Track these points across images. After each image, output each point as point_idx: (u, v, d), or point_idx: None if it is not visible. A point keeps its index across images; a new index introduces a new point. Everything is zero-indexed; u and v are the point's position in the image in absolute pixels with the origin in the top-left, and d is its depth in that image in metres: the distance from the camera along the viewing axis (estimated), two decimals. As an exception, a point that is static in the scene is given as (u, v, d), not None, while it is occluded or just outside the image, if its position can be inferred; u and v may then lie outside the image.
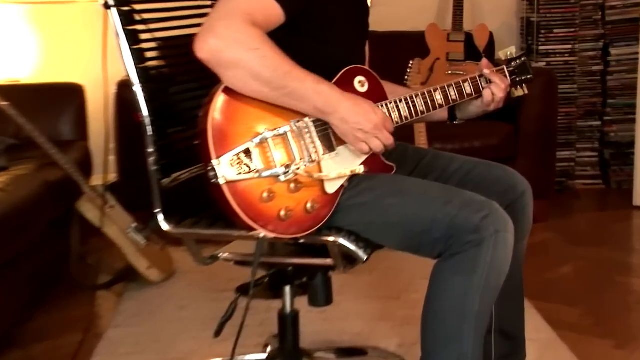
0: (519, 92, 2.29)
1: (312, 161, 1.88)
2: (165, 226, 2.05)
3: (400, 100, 2.05)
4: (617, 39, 4.99)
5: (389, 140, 1.92)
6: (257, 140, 1.81)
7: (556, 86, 4.31)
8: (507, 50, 2.28)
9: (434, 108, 2.10)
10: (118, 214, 3.39)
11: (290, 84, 1.81)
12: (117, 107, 3.87)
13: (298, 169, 1.84)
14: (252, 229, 1.81)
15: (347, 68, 2.01)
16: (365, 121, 1.88)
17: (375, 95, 2.03)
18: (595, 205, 4.83)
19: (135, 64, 2.02)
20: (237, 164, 1.78)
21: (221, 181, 1.77)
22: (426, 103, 2.09)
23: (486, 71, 2.17)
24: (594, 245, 3.97)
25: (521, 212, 2.10)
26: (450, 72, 4.59)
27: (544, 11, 4.91)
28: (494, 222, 1.80)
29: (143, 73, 2.03)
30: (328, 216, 1.90)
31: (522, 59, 2.28)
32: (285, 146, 1.85)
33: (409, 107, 2.05)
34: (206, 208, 2.06)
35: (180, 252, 3.40)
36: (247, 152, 1.80)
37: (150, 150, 2.02)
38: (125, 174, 3.99)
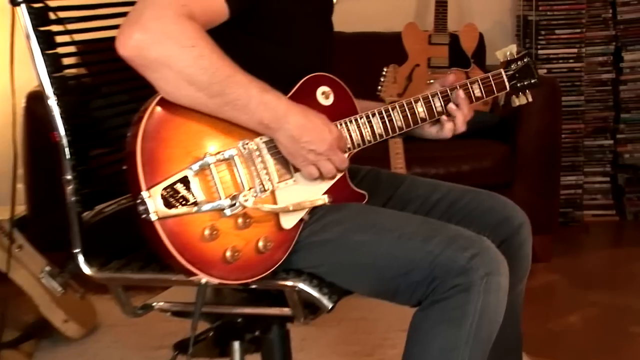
0: (521, 99, 2.30)
1: (265, 190, 1.89)
2: (86, 269, 2.04)
3: (374, 115, 2.07)
4: (631, 41, 5.06)
5: (344, 163, 1.95)
6: (196, 166, 1.81)
7: (559, 98, 4.35)
8: (507, 50, 2.30)
9: (415, 123, 2.12)
10: (28, 255, 3.36)
11: (230, 90, 1.81)
12: (27, 125, 3.85)
13: (247, 200, 1.84)
14: (192, 274, 1.80)
15: (308, 76, 2.03)
16: (318, 140, 1.89)
17: (343, 109, 2.05)
18: (607, 241, 4.88)
19: (50, 72, 2.01)
20: (172, 196, 1.78)
21: (152, 217, 1.76)
22: (405, 117, 2.10)
23: (440, 88, 2.17)
24: (607, 290, 4.00)
25: (518, 250, 2.12)
26: (432, 80, 4.62)
27: (544, 8, 4.97)
28: (485, 263, 1.81)
29: (59, 83, 2.02)
30: (284, 257, 1.91)
31: (525, 60, 2.29)
32: (232, 173, 1.86)
33: (384, 123, 2.07)
34: (137, 247, 2.05)
35: (104, 301, 3.38)
36: (185, 182, 1.80)
37: (69, 177, 2.01)
38: (36, 206, 3.97)
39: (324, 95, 2.04)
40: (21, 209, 4.03)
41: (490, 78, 2.23)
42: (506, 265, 1.85)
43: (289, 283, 1.92)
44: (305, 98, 1.99)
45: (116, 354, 3.28)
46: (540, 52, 4.96)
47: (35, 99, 3.80)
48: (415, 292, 1.85)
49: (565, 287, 4.08)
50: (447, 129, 2.17)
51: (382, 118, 2.07)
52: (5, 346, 3.33)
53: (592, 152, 5.11)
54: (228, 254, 1.82)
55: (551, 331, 3.50)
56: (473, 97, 2.19)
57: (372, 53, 4.76)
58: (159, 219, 1.76)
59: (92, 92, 2.17)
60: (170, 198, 1.77)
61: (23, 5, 1.98)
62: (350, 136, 2.02)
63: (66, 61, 2.06)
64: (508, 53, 2.28)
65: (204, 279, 1.81)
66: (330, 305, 1.92)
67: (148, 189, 1.76)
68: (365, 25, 4.89)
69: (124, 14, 2.03)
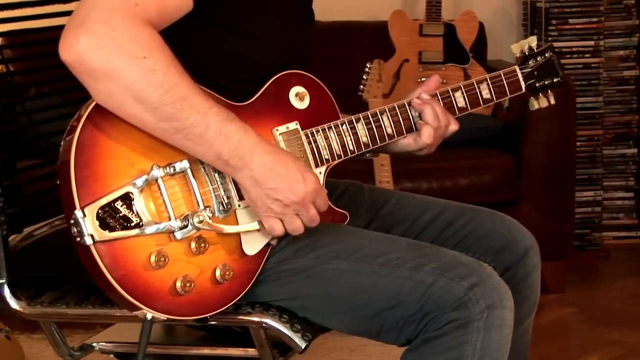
0: (542, 101, 2.29)
1: (225, 210, 1.88)
2: (13, 304, 2.03)
3: (358, 120, 2.07)
4: (658, 32, 5.09)
5: (315, 221, 1.90)
6: (140, 181, 1.80)
7: (574, 99, 4.37)
8: (525, 43, 2.28)
9: (409, 130, 2.13)
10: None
11: (185, 114, 1.78)
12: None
13: (201, 221, 1.83)
14: (135, 307, 1.80)
15: (279, 75, 2.03)
16: (287, 189, 1.85)
17: (321, 114, 2.05)
18: (631, 268, 4.89)
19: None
20: (111, 216, 1.77)
21: (87, 241, 1.75)
22: (396, 123, 2.11)
23: (416, 100, 2.14)
24: (630, 327, 4.01)
25: (524, 280, 2.12)
26: (423, 79, 4.63)
27: (556, -7, 5.00)
28: (486, 294, 1.81)
29: (6, 165, 2.03)
30: (247, 288, 1.91)
31: (547, 54, 2.28)
32: (185, 189, 1.85)
33: (370, 129, 2.07)
34: (74, 278, 2.05)
35: (34, 342, 3.37)
36: (127, 199, 1.79)
37: (86, 244, 2.00)
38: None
39: (298, 97, 2.04)
40: None
41: (502, 76, 2.22)
42: (511, 296, 1.86)
43: (255, 319, 1.92)
44: (276, 100, 2.00)
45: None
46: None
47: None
48: (403, 329, 1.85)
49: (581, 322, 4.09)
50: (425, 134, 2.13)
51: (368, 123, 2.07)
52: None
53: (613, 163, 5.12)
54: (178, 284, 1.81)
55: (565, 375, 3.52)
56: (480, 99, 2.19)
57: (353, 46, 4.77)
58: (95, 242, 1.75)
59: (19, 93, 2.16)
60: (109, 218, 1.77)
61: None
62: (330, 145, 2.03)
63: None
64: (527, 47, 2.27)
65: (149, 314, 1.80)
66: (303, 345, 1.92)
67: (82, 207, 1.75)
68: (345, 14, 4.91)
69: (63, 1, 2.03)
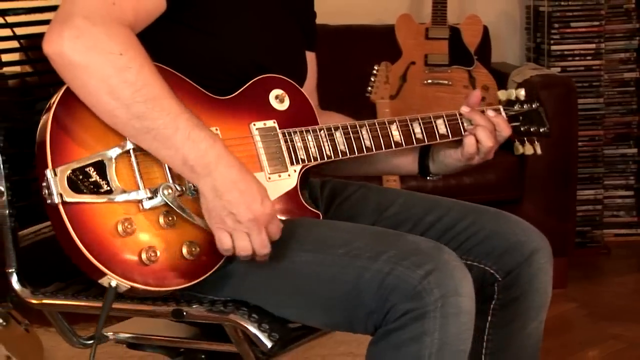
0: (527, 149, 2.24)
1: (196, 191, 1.86)
2: (19, 292, 2.04)
3: (337, 128, 2.05)
4: (657, 35, 5.09)
5: (264, 247, 1.85)
6: (114, 151, 1.82)
7: (575, 101, 4.37)
8: (513, 92, 2.23)
9: (387, 146, 2.09)
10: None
11: (155, 115, 1.78)
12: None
13: (169, 194, 1.83)
14: (99, 273, 1.79)
15: (259, 77, 2.03)
16: (243, 205, 1.82)
17: (300, 116, 2.05)
18: (631, 265, 4.89)
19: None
20: (82, 180, 1.79)
21: (55, 199, 1.76)
22: (376, 137, 2.08)
23: (464, 109, 2.15)
24: (631, 321, 4.01)
25: (529, 283, 2.06)
26: (429, 80, 4.64)
27: (558, -2, 4.99)
28: (440, 282, 1.75)
29: (11, 134, 2.04)
30: (214, 269, 1.88)
31: (534, 105, 2.24)
32: (158, 165, 1.86)
33: (348, 139, 2.05)
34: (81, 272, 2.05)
35: (52, 335, 3.37)
36: (100, 166, 1.81)
37: (1, 188, 2.02)
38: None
39: (278, 99, 2.04)
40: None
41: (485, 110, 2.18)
42: (469, 281, 1.80)
43: (223, 316, 1.90)
44: (256, 99, 2.01)
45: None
46: (553, 47, 4.97)
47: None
48: (369, 320, 1.80)
49: (583, 317, 4.09)
50: (469, 144, 2.12)
51: (347, 133, 2.05)
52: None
53: (614, 163, 5.12)
54: (144, 255, 1.81)
55: (567, 368, 3.51)
56: (448, 130, 2.16)
57: (360, 49, 4.77)
58: (64, 203, 1.76)
59: (36, 92, 2.16)
60: (79, 182, 1.79)
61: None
62: (306, 147, 2.02)
63: (6, 57, 2.06)
64: (514, 95, 2.23)
65: (113, 281, 1.79)
66: (269, 344, 1.88)
67: (54, 167, 1.77)
68: (353, 17, 4.90)
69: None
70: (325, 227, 1.97)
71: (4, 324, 3.35)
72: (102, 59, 1.76)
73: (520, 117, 2.22)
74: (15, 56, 2.09)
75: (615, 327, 3.91)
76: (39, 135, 1.81)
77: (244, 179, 1.82)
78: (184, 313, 1.91)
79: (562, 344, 3.71)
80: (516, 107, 2.22)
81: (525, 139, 2.24)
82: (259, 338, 1.88)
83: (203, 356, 2.12)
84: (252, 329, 1.88)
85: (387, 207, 2.18)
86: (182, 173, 1.83)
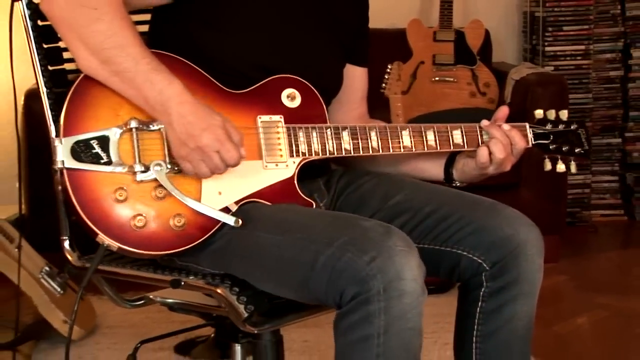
0: (559, 167, 2.15)
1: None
2: (67, 255, 2.07)
3: (345, 128, 2.03)
4: (640, 38, 5.07)
5: (217, 169, 1.87)
6: (119, 129, 1.87)
7: (567, 96, 4.34)
8: (553, 112, 2.14)
9: (395, 150, 2.07)
10: (26, 255, 3.36)
11: (120, 60, 1.84)
12: (26, 122, 3.86)
13: (159, 170, 1.86)
14: (93, 232, 1.84)
15: (274, 77, 2.02)
16: (191, 136, 1.84)
17: (309, 117, 2.03)
18: (615, 242, 4.88)
19: (47, 65, 2.04)
20: (84, 151, 1.84)
21: (58, 164, 1.83)
22: (384, 140, 2.06)
23: (484, 122, 2.09)
24: (615, 292, 4.00)
25: (519, 271, 1.99)
26: (437, 78, 4.63)
27: (552, 4, 4.96)
28: (382, 269, 1.71)
29: (57, 76, 2.06)
30: (198, 241, 1.89)
31: (573, 126, 2.15)
32: (160, 143, 1.89)
33: (355, 139, 2.03)
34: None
35: (103, 302, 3.38)
36: (103, 141, 1.85)
37: (57, 167, 2.03)
38: (35, 205, 3.97)
39: (289, 98, 2.03)
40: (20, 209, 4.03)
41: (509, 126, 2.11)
42: (413, 265, 1.74)
43: (211, 287, 1.92)
44: (268, 95, 2.01)
45: (115, 355, 3.28)
46: (547, 48, 4.96)
47: (34, 97, 3.80)
48: (328, 299, 1.78)
49: (572, 289, 4.08)
50: (481, 154, 2.07)
51: (354, 134, 2.03)
52: (3, 347, 3.34)
53: (600, 151, 5.11)
54: (133, 222, 1.85)
55: (558, 334, 3.51)
56: (464, 140, 2.11)
57: (375, 50, 4.72)
58: (66, 169, 1.83)
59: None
60: (82, 153, 1.84)
61: (23, 0, 2.02)
62: (309, 142, 2.00)
63: (68, 55, 2.06)
64: (554, 115, 2.16)
65: (105, 241, 1.84)
66: (245, 315, 1.89)
67: (63, 137, 1.84)
68: (369, 22, 4.88)
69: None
70: (293, 213, 1.94)
71: (62, 292, 3.36)
72: (78, 12, 1.83)
73: (551, 136, 2.15)
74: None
75: (601, 297, 3.91)
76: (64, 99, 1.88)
77: (194, 113, 1.85)
78: (182, 283, 1.93)
79: (554, 312, 3.70)
80: (548, 126, 2.15)
81: (559, 157, 2.16)
82: (235, 308, 1.89)
83: (230, 321, 2.13)
84: (232, 300, 1.89)
85: (392, 197, 2.12)
86: (147, 111, 1.88)
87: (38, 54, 2.03)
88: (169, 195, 1.87)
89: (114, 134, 1.86)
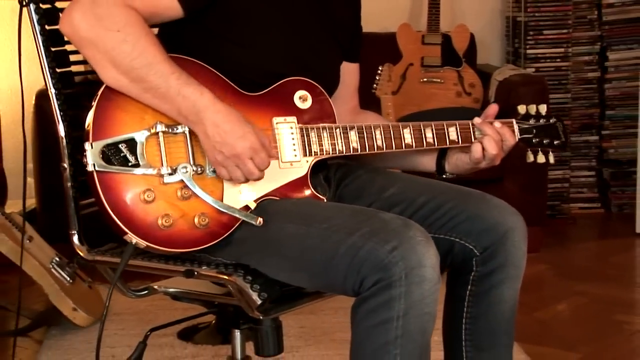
0: (539, 158, 2.16)
1: (214, 171, 1.89)
2: (77, 248, 2.06)
3: (352, 128, 2.03)
4: (615, 41, 5.05)
5: (252, 174, 1.87)
6: (145, 132, 1.86)
7: (547, 96, 4.35)
8: (534, 107, 2.15)
9: (397, 147, 2.06)
10: (37, 246, 3.35)
11: (150, 78, 1.83)
12: (36, 121, 3.84)
13: (186, 172, 1.86)
14: (122, 231, 1.84)
15: (287, 79, 2.01)
16: (227, 143, 1.85)
17: (320, 117, 2.02)
18: (593, 233, 4.88)
19: (54, 67, 2.03)
20: (113, 154, 1.83)
21: (89, 167, 1.82)
22: (388, 139, 2.05)
23: (477, 120, 2.10)
24: (593, 280, 4.00)
25: (506, 256, 2.00)
26: (425, 79, 4.62)
27: (532, 10, 4.96)
28: (405, 255, 1.73)
29: (65, 78, 2.05)
30: (220, 238, 1.89)
31: (552, 120, 2.17)
32: (184, 146, 1.88)
33: (362, 138, 2.02)
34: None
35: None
36: (131, 144, 1.85)
37: (65, 164, 2.03)
38: (45, 199, 3.96)
39: (301, 99, 2.02)
40: (31, 202, 4.02)
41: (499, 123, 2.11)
42: (432, 254, 1.76)
43: (225, 276, 1.90)
44: (281, 97, 1.99)
45: (122, 340, 3.27)
46: (528, 51, 4.96)
47: (45, 97, 3.78)
48: (346, 285, 1.78)
49: (553, 277, 4.08)
50: (475, 150, 2.07)
51: (361, 133, 2.03)
52: (16, 333, 3.32)
53: (579, 148, 5.11)
54: (160, 220, 1.84)
55: (540, 319, 3.50)
56: (458, 137, 2.10)
57: (367, 52, 4.72)
58: (97, 171, 1.82)
59: (95, 87, 2.16)
60: (111, 156, 1.83)
61: (32, 6, 2.01)
62: (320, 142, 1.99)
63: (75, 57, 2.05)
64: (535, 110, 2.16)
65: (133, 240, 1.83)
66: (258, 302, 1.88)
67: (92, 141, 1.82)
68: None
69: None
70: (313, 206, 1.95)
71: (71, 281, 3.35)
72: (103, 35, 1.82)
73: (534, 131, 2.16)
74: (80, 56, 2.08)
75: (579, 285, 3.91)
76: (88, 118, 1.86)
77: (229, 121, 1.85)
78: (195, 273, 1.92)
79: (536, 299, 3.70)
80: (531, 121, 2.16)
81: (539, 149, 2.16)
82: (250, 296, 1.88)
83: (231, 309, 2.11)
84: (245, 288, 1.88)
85: (387, 189, 2.12)
86: (181, 122, 1.87)
87: (46, 57, 2.02)
88: (194, 196, 1.87)
89: (141, 137, 1.85)
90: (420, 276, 1.73)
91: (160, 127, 1.86)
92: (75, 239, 2.05)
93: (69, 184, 2.03)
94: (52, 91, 2.03)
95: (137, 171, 1.84)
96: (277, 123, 1.98)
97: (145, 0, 1.87)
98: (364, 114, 2.30)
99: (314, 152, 1.99)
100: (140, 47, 1.82)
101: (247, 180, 1.89)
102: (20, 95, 2.13)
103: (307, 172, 1.99)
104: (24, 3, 2.00)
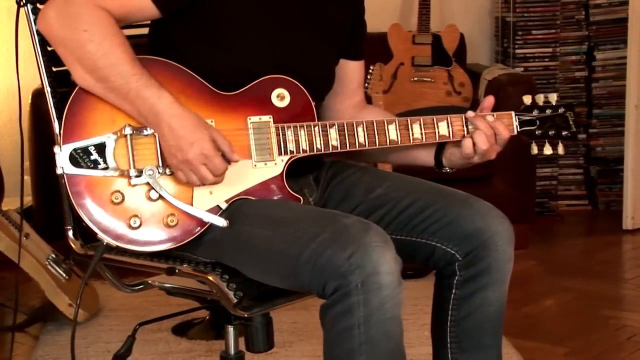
0: (546, 149, 2.10)
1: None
2: (71, 243, 2.07)
3: (332, 125, 2.00)
4: (602, 41, 5.06)
5: (205, 179, 1.85)
6: (115, 135, 1.87)
7: (535, 95, 4.34)
8: (541, 96, 2.07)
9: (381, 144, 2.03)
10: (34, 243, 3.35)
11: (113, 79, 1.84)
12: (33, 120, 3.84)
13: (151, 175, 1.87)
14: (93, 232, 1.86)
15: (265, 78, 1.98)
16: (180, 149, 1.84)
17: (298, 115, 1.99)
18: (580, 230, 4.88)
19: (50, 67, 2.03)
20: (82, 157, 1.85)
21: (58, 170, 1.85)
22: (371, 135, 2.02)
23: (470, 113, 2.04)
24: (580, 276, 4.01)
25: (489, 261, 1.97)
26: (415, 78, 4.63)
27: (521, 10, 4.97)
28: (362, 263, 1.71)
29: (60, 77, 2.05)
30: (190, 238, 1.89)
31: (560, 110, 2.09)
32: (154, 147, 1.89)
33: (342, 136, 2.00)
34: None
35: (106, 287, 3.37)
36: (100, 147, 1.86)
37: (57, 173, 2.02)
38: (42, 197, 3.95)
39: (279, 97, 1.99)
40: (28, 200, 4.02)
41: (494, 115, 2.06)
42: (389, 259, 1.73)
43: (203, 274, 1.91)
44: (258, 96, 1.97)
45: (117, 336, 3.27)
46: (517, 51, 4.96)
47: (41, 96, 3.78)
48: (312, 289, 1.79)
49: (541, 273, 4.09)
50: (466, 145, 2.03)
51: (341, 130, 2.00)
52: (13, 329, 3.32)
53: (567, 146, 5.09)
54: (131, 221, 1.86)
55: (528, 314, 3.51)
56: (450, 132, 2.06)
57: (359, 52, 4.75)
58: (66, 174, 1.85)
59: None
60: (80, 159, 1.86)
61: (29, 6, 2.02)
62: (297, 140, 1.97)
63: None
64: (542, 100, 2.09)
65: (105, 240, 1.86)
66: (234, 300, 1.89)
67: (61, 144, 1.85)
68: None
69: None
70: (283, 209, 1.93)
71: (67, 277, 3.35)
72: (71, 34, 1.84)
73: (538, 122, 2.09)
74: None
75: (567, 281, 3.92)
76: (58, 121, 1.90)
77: (182, 126, 1.84)
78: (177, 270, 1.94)
79: (524, 295, 3.71)
80: (535, 112, 2.09)
81: (546, 140, 2.10)
82: (226, 294, 1.89)
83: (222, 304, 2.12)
84: (222, 286, 1.89)
85: (374, 189, 2.09)
86: (142, 123, 1.88)
87: (42, 56, 2.03)
88: (163, 197, 1.88)
89: (110, 140, 1.87)
90: (376, 283, 1.71)
91: (129, 130, 1.87)
92: (70, 234, 2.07)
93: (65, 181, 2.03)
94: (47, 90, 2.03)
95: (105, 173, 1.86)
96: (251, 122, 1.96)
97: (118, 1, 1.88)
98: (368, 109, 2.28)
99: (290, 150, 1.97)
100: (106, 47, 1.83)
101: (203, 184, 1.88)
102: (18, 94, 2.13)
103: (282, 172, 1.97)
104: (21, 3, 2.00)
